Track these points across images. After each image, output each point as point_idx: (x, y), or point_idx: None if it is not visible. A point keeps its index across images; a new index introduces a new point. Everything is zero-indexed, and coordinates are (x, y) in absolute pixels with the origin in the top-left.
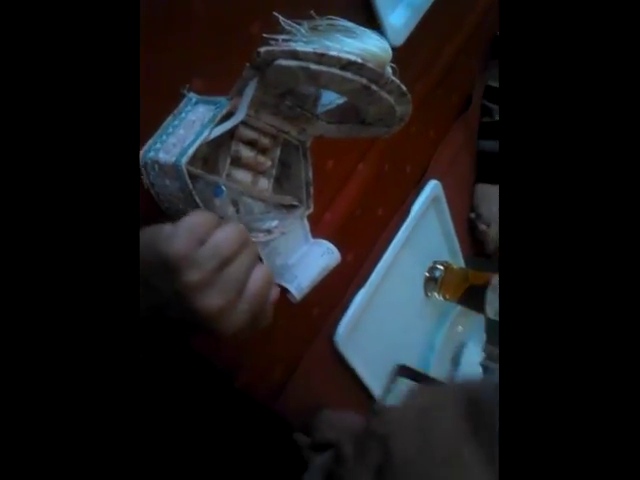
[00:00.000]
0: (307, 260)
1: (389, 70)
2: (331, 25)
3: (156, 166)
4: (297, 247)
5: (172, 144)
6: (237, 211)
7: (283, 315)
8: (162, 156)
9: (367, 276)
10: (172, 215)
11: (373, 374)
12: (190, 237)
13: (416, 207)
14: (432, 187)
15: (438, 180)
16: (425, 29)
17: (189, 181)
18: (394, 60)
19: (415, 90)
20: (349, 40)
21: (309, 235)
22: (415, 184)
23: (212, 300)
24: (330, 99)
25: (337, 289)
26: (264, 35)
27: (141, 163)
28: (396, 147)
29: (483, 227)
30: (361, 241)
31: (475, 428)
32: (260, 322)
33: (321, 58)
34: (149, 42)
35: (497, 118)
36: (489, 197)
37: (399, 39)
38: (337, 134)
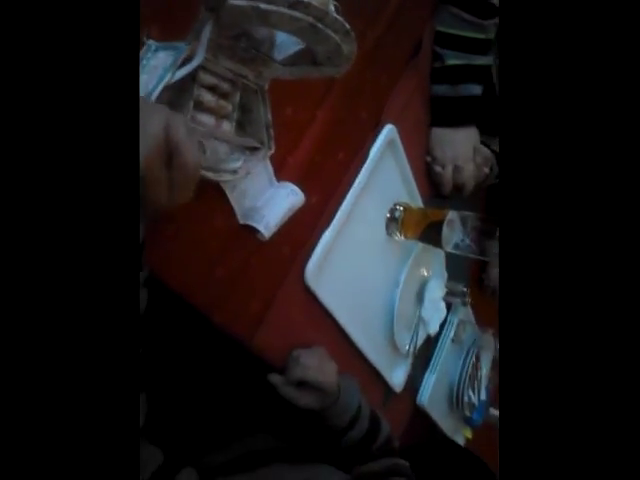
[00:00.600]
0: (273, 201)
1: (332, 8)
2: None
3: None
4: (263, 190)
5: None
6: (203, 152)
7: (255, 254)
8: None
9: (332, 217)
10: None
11: (343, 310)
12: None
13: (374, 151)
14: (387, 131)
15: (393, 124)
16: None
17: None
18: (344, 5)
19: (366, 36)
20: None
21: (274, 178)
22: (372, 129)
23: None
24: (282, 39)
25: (305, 229)
26: None
27: None
28: (351, 93)
29: (438, 169)
30: (324, 184)
31: None
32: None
33: None
34: None
35: (448, 63)
36: (443, 140)
37: None
38: (291, 75)
